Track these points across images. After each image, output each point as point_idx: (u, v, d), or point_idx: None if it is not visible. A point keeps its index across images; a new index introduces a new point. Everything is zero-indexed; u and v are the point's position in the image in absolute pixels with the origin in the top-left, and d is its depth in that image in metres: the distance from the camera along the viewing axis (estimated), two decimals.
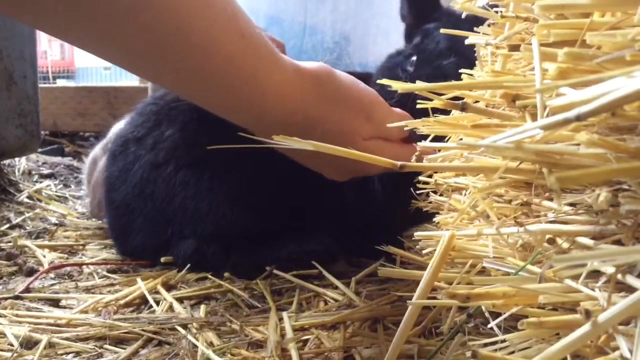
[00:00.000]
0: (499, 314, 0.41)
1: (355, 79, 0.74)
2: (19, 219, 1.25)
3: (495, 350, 0.43)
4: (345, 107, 0.70)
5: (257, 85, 0.63)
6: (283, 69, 0.65)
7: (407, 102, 0.75)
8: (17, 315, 0.71)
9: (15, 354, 0.59)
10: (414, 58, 0.87)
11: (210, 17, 0.57)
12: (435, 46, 0.86)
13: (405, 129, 0.60)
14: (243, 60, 0.60)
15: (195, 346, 0.61)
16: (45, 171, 1.78)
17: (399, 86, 0.48)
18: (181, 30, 0.55)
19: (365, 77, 0.83)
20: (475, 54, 0.60)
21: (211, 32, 0.57)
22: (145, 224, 0.94)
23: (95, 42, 0.57)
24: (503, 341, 0.43)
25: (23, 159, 1.71)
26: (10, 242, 1.07)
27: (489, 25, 0.59)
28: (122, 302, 0.76)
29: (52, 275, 0.90)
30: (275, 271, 0.85)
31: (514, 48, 0.51)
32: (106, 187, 1.01)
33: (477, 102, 0.53)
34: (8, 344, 0.63)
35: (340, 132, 0.69)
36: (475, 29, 0.62)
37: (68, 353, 0.62)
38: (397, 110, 0.75)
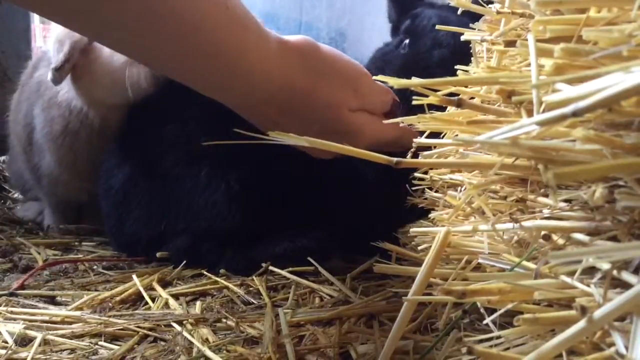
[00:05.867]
0: (495, 310, 0.41)
1: (340, 52, 0.74)
2: (14, 216, 1.25)
3: (491, 346, 0.43)
4: (331, 79, 0.70)
5: (242, 57, 0.62)
6: (267, 41, 0.65)
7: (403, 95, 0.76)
8: (12, 313, 0.71)
9: (10, 351, 0.59)
10: (407, 41, 0.90)
11: None
12: (428, 22, 0.90)
13: (402, 126, 0.60)
14: (228, 31, 0.60)
15: (191, 343, 0.61)
16: None
17: (394, 82, 0.48)
18: None
19: None
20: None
21: (196, 1, 0.57)
22: (140, 214, 0.94)
23: (76, 16, 0.56)
24: (498, 337, 0.43)
25: None
26: (5, 238, 1.06)
27: (484, 22, 0.59)
28: (117, 298, 0.75)
29: (47, 272, 0.89)
30: (271, 268, 0.85)
31: (510, 44, 0.51)
32: (103, 174, 1.01)
33: (472, 98, 0.53)
34: (3, 341, 0.62)
35: (328, 105, 0.69)
36: (471, 25, 0.62)
37: (63, 350, 0.61)
38: (381, 84, 0.75)
